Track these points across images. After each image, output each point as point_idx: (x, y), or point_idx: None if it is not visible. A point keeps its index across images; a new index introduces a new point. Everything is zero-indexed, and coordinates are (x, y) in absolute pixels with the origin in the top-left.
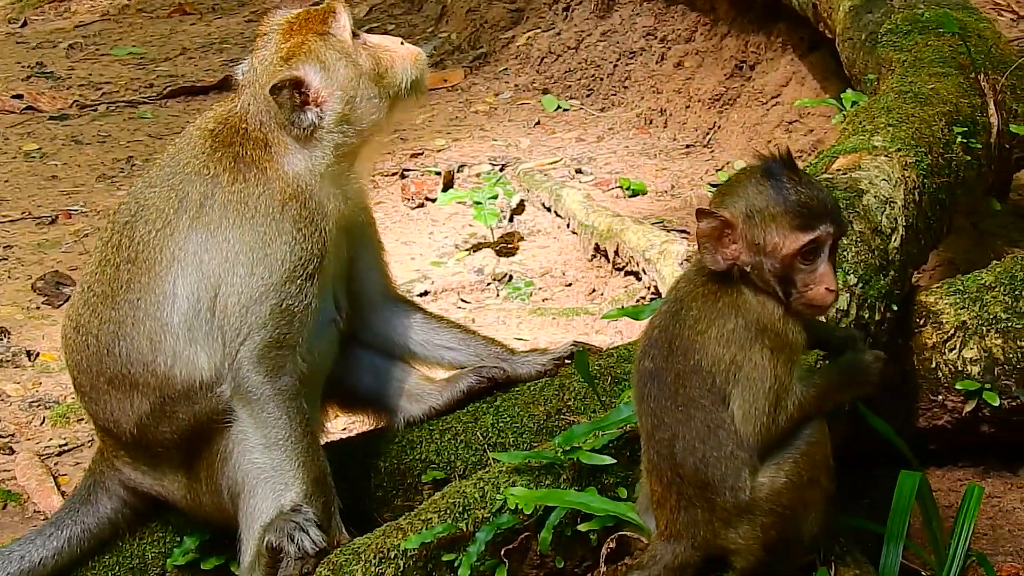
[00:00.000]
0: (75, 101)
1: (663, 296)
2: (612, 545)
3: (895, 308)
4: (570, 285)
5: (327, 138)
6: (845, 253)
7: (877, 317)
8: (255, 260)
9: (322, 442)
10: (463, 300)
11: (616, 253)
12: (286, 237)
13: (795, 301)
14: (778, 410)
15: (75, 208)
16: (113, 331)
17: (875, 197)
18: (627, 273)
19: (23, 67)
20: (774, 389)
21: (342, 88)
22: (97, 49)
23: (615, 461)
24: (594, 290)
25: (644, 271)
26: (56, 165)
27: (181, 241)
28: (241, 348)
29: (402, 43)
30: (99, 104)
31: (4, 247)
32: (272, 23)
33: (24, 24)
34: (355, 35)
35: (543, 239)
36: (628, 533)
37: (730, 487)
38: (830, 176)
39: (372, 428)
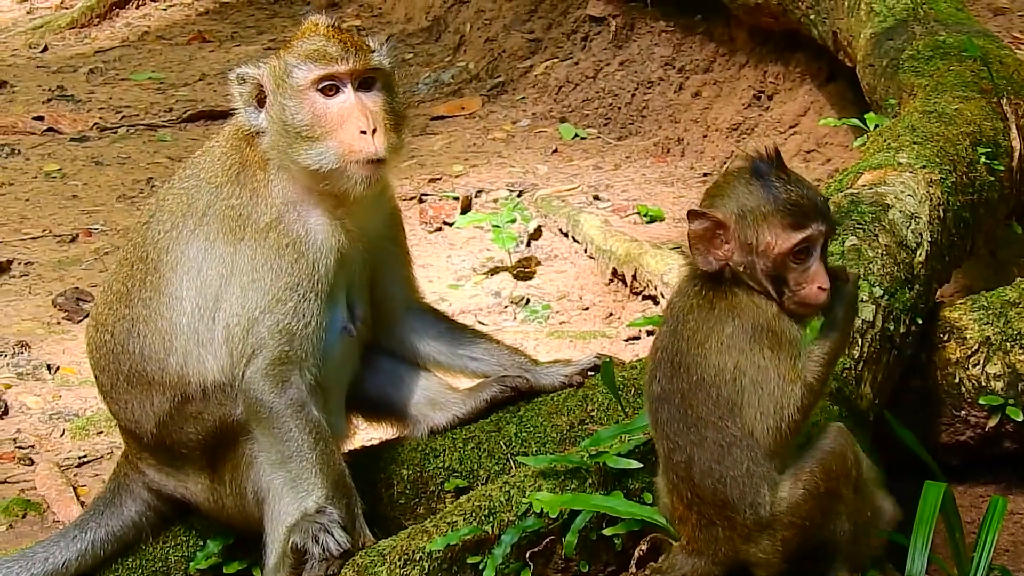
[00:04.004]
0: (95, 123)
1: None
2: (644, 548)
3: (920, 321)
4: (587, 309)
5: (279, 160)
6: (871, 266)
7: (902, 330)
8: (246, 282)
9: (345, 450)
10: (480, 322)
11: (634, 277)
12: (271, 263)
13: (788, 300)
14: (787, 408)
15: (95, 227)
16: (127, 328)
17: (901, 212)
18: (645, 297)
19: (44, 90)
20: (780, 387)
21: (272, 115)
22: (117, 74)
23: (641, 465)
24: (611, 314)
25: (662, 295)
26: (77, 185)
27: (184, 246)
28: (247, 369)
29: (364, 133)
30: (119, 127)
31: (25, 264)
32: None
33: (45, 49)
34: (328, 90)
35: (560, 263)
36: (659, 536)
37: (749, 504)
38: (855, 191)
39: (395, 436)
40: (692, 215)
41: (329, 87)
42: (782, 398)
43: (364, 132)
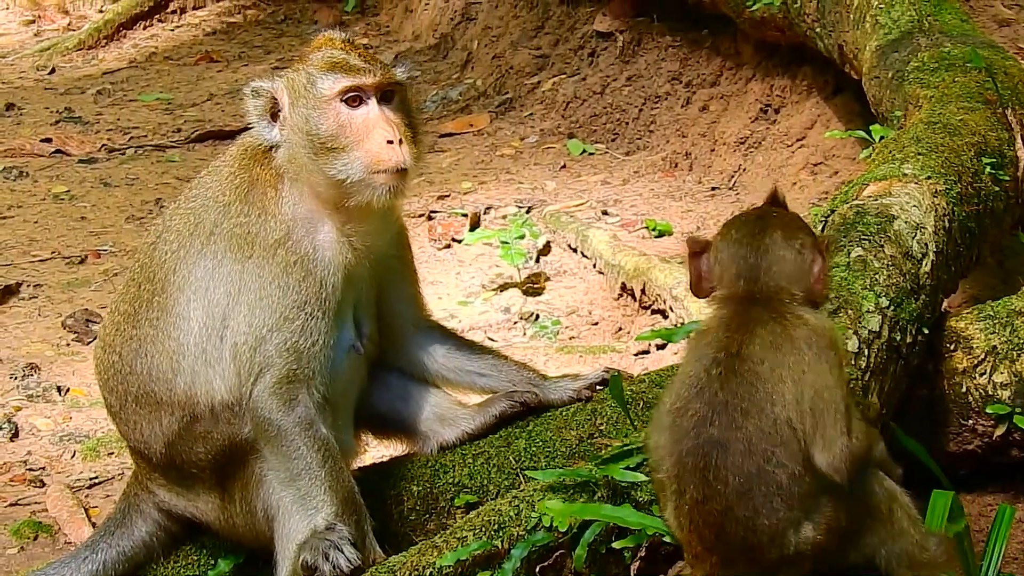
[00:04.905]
0: (103, 145)
1: (695, 353)
2: (643, 554)
3: (926, 331)
4: (597, 324)
5: (296, 172)
6: (877, 276)
7: (908, 340)
8: (253, 300)
9: (355, 466)
10: (490, 338)
11: (643, 292)
12: (279, 281)
13: None
14: (852, 431)
15: (104, 248)
16: (135, 348)
17: (906, 223)
18: (654, 311)
19: (52, 112)
20: (845, 408)
21: (291, 127)
22: (125, 95)
23: (650, 478)
24: (621, 328)
25: (671, 308)
26: (85, 207)
27: (191, 266)
28: (254, 388)
29: (390, 143)
30: (127, 148)
31: (34, 286)
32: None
33: (52, 71)
34: (352, 101)
35: (569, 279)
36: (666, 540)
37: (776, 546)
38: (861, 202)
39: (405, 453)
40: None
41: (353, 98)
42: (848, 422)
43: (391, 142)
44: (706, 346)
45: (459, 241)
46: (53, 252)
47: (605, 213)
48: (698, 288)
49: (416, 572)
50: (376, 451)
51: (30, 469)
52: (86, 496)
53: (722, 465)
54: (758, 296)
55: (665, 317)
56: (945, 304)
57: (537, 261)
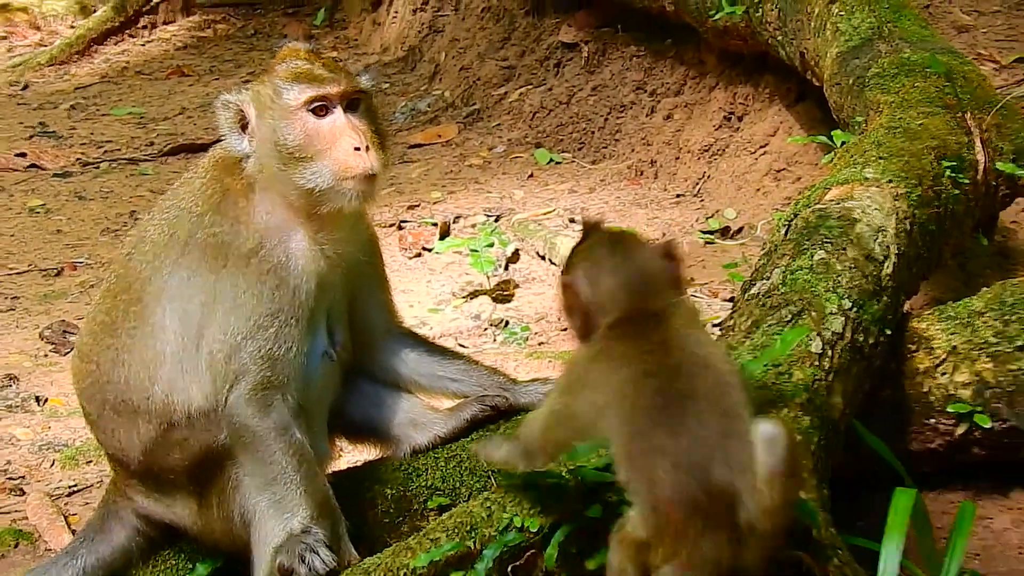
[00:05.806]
0: (77, 159)
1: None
2: None
3: (888, 333)
4: (565, 329)
5: (266, 182)
6: (839, 278)
7: (871, 341)
8: (228, 309)
9: (329, 471)
10: (461, 345)
11: None
12: (253, 290)
13: None
14: None
15: (80, 260)
16: (112, 358)
17: (868, 225)
18: None
19: (25, 127)
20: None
21: (259, 139)
22: (97, 109)
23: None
24: None
25: None
26: (60, 220)
27: (167, 276)
28: (230, 395)
29: (357, 150)
30: (101, 161)
31: (11, 298)
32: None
33: (25, 87)
34: (318, 110)
35: (538, 286)
36: None
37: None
38: (823, 206)
39: (379, 457)
40: None
41: (319, 108)
42: None
43: (358, 149)
44: (628, 367)
45: (429, 250)
46: (30, 265)
47: (572, 221)
48: (589, 329)
49: (390, 573)
50: (350, 456)
51: (10, 478)
52: (66, 504)
53: (697, 428)
54: (647, 310)
55: None
56: (907, 305)
57: (506, 269)
